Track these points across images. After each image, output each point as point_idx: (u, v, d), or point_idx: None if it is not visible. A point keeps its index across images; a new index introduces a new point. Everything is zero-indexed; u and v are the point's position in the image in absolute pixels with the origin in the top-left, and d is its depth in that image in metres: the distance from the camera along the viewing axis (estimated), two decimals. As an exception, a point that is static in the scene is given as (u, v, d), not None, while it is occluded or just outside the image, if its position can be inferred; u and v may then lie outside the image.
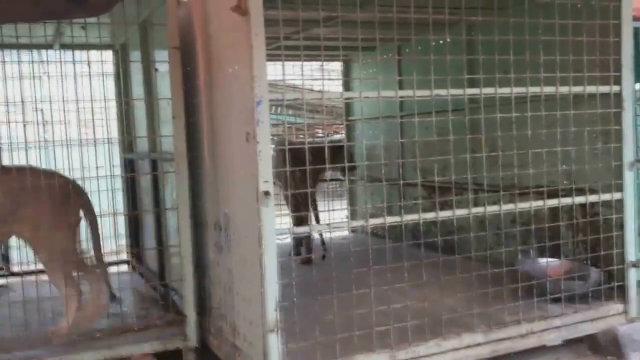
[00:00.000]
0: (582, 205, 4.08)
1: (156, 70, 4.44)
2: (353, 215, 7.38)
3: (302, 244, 6.03)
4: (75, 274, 4.00)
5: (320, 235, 6.15)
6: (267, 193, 3.05)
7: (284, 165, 5.01)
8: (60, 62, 4.26)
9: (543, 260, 4.38)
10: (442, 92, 3.53)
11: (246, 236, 3.30)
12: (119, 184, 5.45)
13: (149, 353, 3.82)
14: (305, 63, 6.96)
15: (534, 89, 3.76)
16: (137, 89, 5.18)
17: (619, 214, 4.05)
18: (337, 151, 5.40)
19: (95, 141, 4.37)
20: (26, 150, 4.10)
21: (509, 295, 3.83)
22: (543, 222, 4.17)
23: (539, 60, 3.78)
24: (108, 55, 6.26)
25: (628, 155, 4.03)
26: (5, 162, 5.30)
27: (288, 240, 5.73)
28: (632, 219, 4.06)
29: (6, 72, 4.38)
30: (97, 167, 4.15)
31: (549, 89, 3.82)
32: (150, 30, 4.62)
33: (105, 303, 4.10)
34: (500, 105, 3.78)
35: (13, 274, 5.52)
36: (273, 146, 4.93)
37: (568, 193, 4.02)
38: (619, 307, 4.06)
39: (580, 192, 4.05)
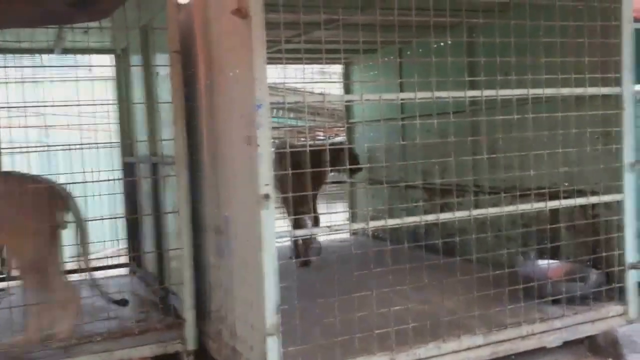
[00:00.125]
0: (583, 207, 4.07)
1: (157, 74, 4.45)
2: (354, 218, 7.38)
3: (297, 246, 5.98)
4: (49, 280, 3.92)
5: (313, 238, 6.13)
6: (267, 196, 3.05)
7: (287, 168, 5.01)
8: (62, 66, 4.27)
9: (544, 262, 4.38)
10: (443, 94, 3.53)
11: (247, 239, 3.30)
12: (119, 188, 5.47)
13: (148, 356, 3.82)
14: (306, 66, 6.96)
15: (535, 91, 3.76)
16: (138, 93, 5.19)
17: (619, 215, 4.05)
18: (342, 153, 5.42)
19: (97, 145, 4.38)
20: (28, 154, 4.11)
21: (510, 297, 3.82)
22: (544, 223, 4.17)
23: (540, 62, 3.78)
24: (109, 59, 6.28)
25: (628, 156, 4.02)
26: (7, 167, 5.31)
27: (288, 243, 5.74)
28: (631, 221, 4.06)
29: (8, 76, 4.40)
30: (96, 171, 4.14)
31: (550, 91, 3.82)
32: (151, 34, 4.62)
33: (74, 314, 3.98)
34: (501, 107, 3.78)
35: (13, 278, 5.52)
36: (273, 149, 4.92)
37: (569, 195, 4.02)
38: (618, 308, 4.05)
39: (581, 193, 4.04)
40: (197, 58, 3.99)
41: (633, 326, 4.04)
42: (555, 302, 3.96)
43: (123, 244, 6.15)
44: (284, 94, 3.24)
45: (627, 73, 3.99)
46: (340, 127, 9.56)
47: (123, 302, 4.36)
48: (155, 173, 4.71)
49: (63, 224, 4.02)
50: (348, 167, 5.48)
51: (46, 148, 5.52)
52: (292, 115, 10.91)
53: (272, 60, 3.12)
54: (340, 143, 6.67)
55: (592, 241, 4.14)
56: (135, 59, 5.23)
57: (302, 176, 3.78)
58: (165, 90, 4.14)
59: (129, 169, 5.78)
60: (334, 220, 6.38)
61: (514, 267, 4.19)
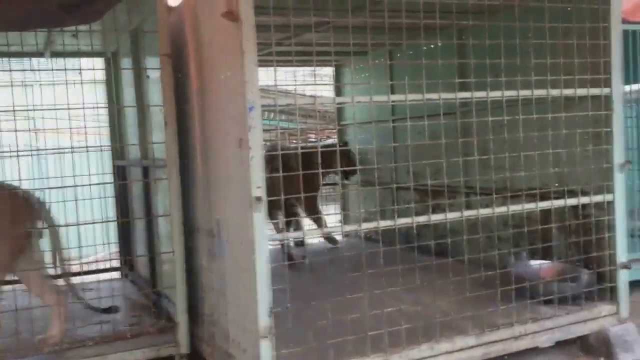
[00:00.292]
0: (574, 207, 4.09)
1: (147, 77, 4.43)
2: (346, 220, 7.38)
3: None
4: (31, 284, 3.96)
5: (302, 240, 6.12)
6: (259, 199, 3.05)
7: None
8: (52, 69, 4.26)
9: (535, 263, 4.39)
10: (434, 96, 3.54)
11: (240, 242, 3.29)
12: (110, 191, 5.44)
13: None
14: (297, 68, 6.98)
15: (525, 92, 3.78)
16: (129, 96, 5.17)
17: (610, 215, 4.07)
18: (336, 154, 5.40)
19: (87, 149, 4.36)
20: (18, 158, 4.08)
21: (502, 298, 3.83)
22: (535, 224, 4.19)
23: (529, 64, 3.80)
24: (99, 62, 6.25)
25: (618, 157, 4.05)
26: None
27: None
28: (622, 220, 4.08)
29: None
30: (87, 175, 4.12)
31: (540, 92, 3.83)
32: (142, 37, 4.61)
33: (63, 318, 3.99)
34: (492, 109, 3.79)
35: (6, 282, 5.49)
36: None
37: (560, 195, 4.04)
38: (610, 308, 4.07)
39: (572, 194, 4.06)
40: (188, 61, 3.99)
41: (625, 325, 4.06)
42: (547, 302, 3.97)
43: (115, 248, 6.13)
44: (275, 96, 3.24)
45: (616, 74, 4.01)
46: (332, 129, 9.57)
47: (114, 310, 4.34)
48: (147, 176, 4.70)
49: (38, 232, 4.01)
50: (346, 169, 5.46)
51: (36, 152, 5.48)
52: (283, 117, 10.92)
53: (263, 63, 3.12)
54: (346, 144, 6.67)
55: (584, 241, 4.16)
56: (126, 62, 5.21)
57: (297, 178, 3.77)
58: (156, 93, 4.13)
59: (120, 172, 5.76)
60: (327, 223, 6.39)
61: (506, 267, 4.20)
